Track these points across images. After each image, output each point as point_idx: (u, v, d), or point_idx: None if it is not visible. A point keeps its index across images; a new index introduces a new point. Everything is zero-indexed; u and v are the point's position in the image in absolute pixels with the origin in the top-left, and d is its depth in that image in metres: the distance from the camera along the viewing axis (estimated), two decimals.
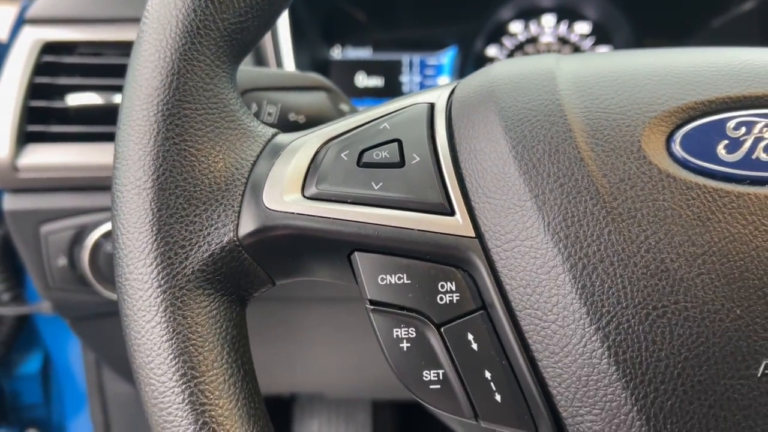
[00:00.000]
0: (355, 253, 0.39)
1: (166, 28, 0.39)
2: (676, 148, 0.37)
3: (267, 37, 0.83)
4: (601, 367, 0.35)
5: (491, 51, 1.03)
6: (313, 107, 0.57)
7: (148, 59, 0.39)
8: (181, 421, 0.36)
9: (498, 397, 0.37)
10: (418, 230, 0.38)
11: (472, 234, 0.38)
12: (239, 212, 0.39)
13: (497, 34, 1.02)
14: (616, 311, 0.35)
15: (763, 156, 0.36)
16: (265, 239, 0.39)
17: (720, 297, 0.35)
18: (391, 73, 1.02)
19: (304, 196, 0.40)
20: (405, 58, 1.03)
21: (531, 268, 0.37)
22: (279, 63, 0.82)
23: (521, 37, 1.03)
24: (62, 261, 0.79)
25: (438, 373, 0.38)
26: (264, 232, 0.39)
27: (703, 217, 0.35)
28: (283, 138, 0.43)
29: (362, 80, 1.03)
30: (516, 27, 1.03)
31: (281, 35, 0.83)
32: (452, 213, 0.38)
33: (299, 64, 0.87)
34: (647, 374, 0.35)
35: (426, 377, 0.38)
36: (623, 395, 0.35)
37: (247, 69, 0.57)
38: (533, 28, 1.03)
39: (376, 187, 0.39)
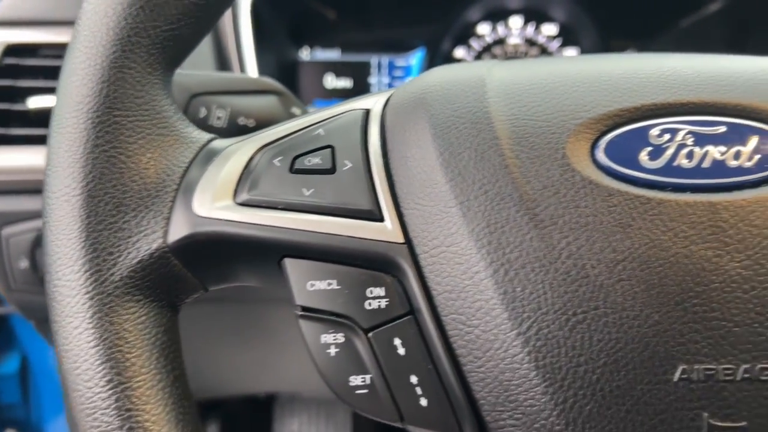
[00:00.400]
0: (285, 259, 0.39)
1: (96, 36, 0.39)
2: (600, 155, 0.37)
3: (230, 40, 0.83)
4: (522, 372, 0.36)
5: (459, 52, 1.04)
6: (264, 111, 0.58)
7: (79, 67, 0.39)
8: (107, 426, 0.36)
9: (424, 402, 0.38)
10: (348, 236, 0.39)
11: (401, 240, 0.38)
12: (169, 218, 0.39)
13: (465, 35, 1.03)
14: (536, 316, 0.36)
15: (684, 163, 0.37)
16: (195, 246, 0.40)
17: (639, 303, 0.35)
18: (359, 74, 1.03)
19: (236, 203, 0.40)
20: (374, 59, 1.03)
21: (456, 274, 0.37)
22: (242, 66, 0.82)
23: (489, 39, 1.03)
24: (24, 263, 0.79)
25: (365, 378, 0.38)
26: (193, 239, 0.39)
27: (624, 224, 0.36)
28: (218, 144, 0.43)
29: (331, 82, 1.03)
30: (483, 28, 1.03)
31: (244, 38, 0.83)
32: (381, 219, 0.39)
33: (264, 67, 0.87)
34: (566, 379, 0.35)
35: (352, 382, 0.38)
36: (542, 400, 0.35)
37: (196, 73, 0.58)
38: (501, 29, 1.03)
39: (307, 194, 0.39)
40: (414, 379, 0.38)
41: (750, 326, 0.35)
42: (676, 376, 0.35)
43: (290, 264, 0.39)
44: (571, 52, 1.03)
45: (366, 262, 0.39)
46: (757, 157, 0.37)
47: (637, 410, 0.35)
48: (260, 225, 0.39)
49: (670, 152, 0.37)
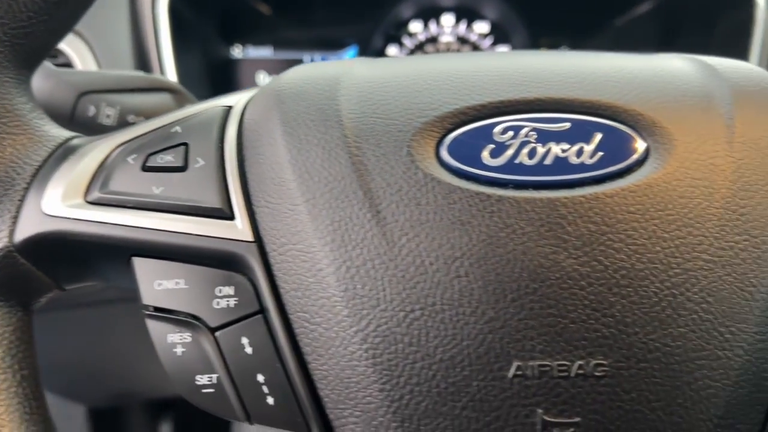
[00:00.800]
0: (133, 258, 0.39)
1: None
2: (444, 152, 0.37)
3: (150, 39, 0.82)
4: (360, 369, 0.36)
5: (392, 50, 1.04)
6: (156, 109, 0.57)
7: None
8: None
9: (270, 400, 0.38)
10: (196, 235, 0.38)
11: (251, 238, 0.38)
12: (17, 217, 0.39)
13: (397, 33, 1.03)
14: (374, 314, 0.36)
15: (526, 160, 0.37)
16: (44, 245, 0.39)
17: (475, 299, 0.35)
18: None
19: (86, 201, 0.39)
20: (306, 57, 1.03)
21: (301, 272, 0.37)
22: (161, 65, 0.82)
23: (421, 37, 1.03)
24: None
25: (211, 377, 0.38)
26: (41, 238, 0.39)
27: (464, 221, 0.36)
28: (76, 142, 0.42)
29: (264, 79, 1.03)
30: (416, 26, 1.03)
31: (162, 37, 0.82)
32: (232, 217, 0.38)
33: (191, 65, 0.87)
34: (402, 376, 0.35)
35: (199, 381, 0.38)
36: (379, 397, 0.35)
37: (84, 71, 0.57)
38: (433, 27, 1.03)
39: (156, 192, 0.39)
40: (261, 378, 0.38)
41: (585, 323, 0.35)
42: (511, 372, 0.35)
43: (138, 263, 0.39)
44: (503, 49, 1.03)
45: (215, 260, 0.38)
46: (599, 154, 0.37)
47: (472, 407, 0.35)
48: (108, 224, 0.39)
49: (512, 150, 0.37)
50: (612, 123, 0.38)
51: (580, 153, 0.37)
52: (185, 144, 0.40)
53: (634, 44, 1.04)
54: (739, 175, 0.37)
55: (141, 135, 0.42)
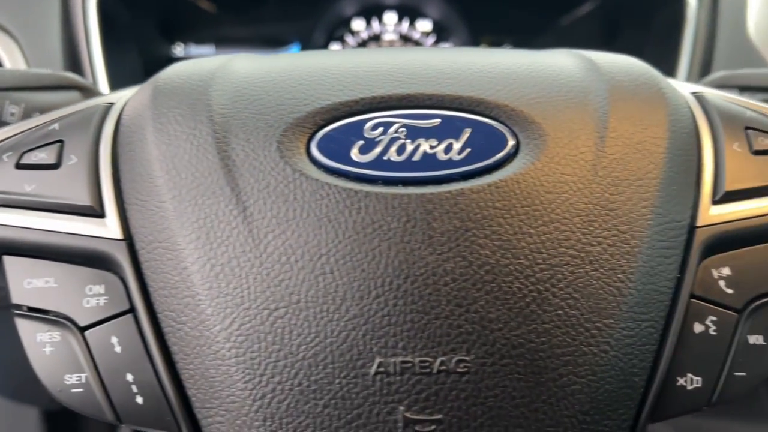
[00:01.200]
0: (3, 256, 0.38)
1: None
2: (314, 148, 0.37)
3: (81, 38, 0.82)
4: (224, 368, 0.35)
5: (334, 48, 1.03)
6: (63, 107, 0.56)
7: None
8: None
9: (140, 400, 0.37)
10: (67, 233, 0.38)
11: (121, 236, 0.38)
12: None
13: (340, 31, 1.02)
14: (238, 312, 0.35)
15: (394, 157, 0.37)
16: None
17: (339, 296, 0.35)
18: None
19: None
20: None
21: (168, 270, 0.37)
22: (92, 65, 0.81)
23: (364, 35, 1.03)
24: None
25: (80, 377, 0.38)
26: None
27: (331, 217, 0.36)
28: None
29: None
30: (358, 24, 1.03)
31: (92, 36, 0.81)
32: (103, 215, 0.38)
33: (124, 65, 0.86)
34: (265, 375, 0.35)
35: (68, 381, 0.38)
36: (242, 396, 0.35)
37: None
38: (375, 25, 1.03)
39: (28, 189, 0.39)
40: (130, 378, 0.37)
41: (448, 319, 0.35)
42: (373, 369, 0.35)
43: (8, 262, 0.38)
44: (445, 47, 1.03)
45: (86, 259, 0.38)
46: (467, 150, 0.37)
47: (335, 404, 0.35)
48: None
49: (381, 146, 0.37)
50: (483, 119, 0.38)
51: (449, 149, 0.37)
52: (60, 141, 0.40)
53: (577, 43, 1.04)
54: (610, 170, 0.37)
55: (19, 133, 0.41)
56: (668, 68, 0.84)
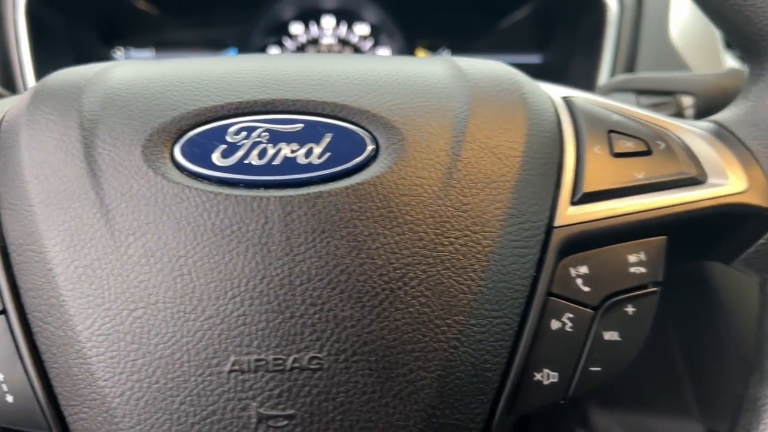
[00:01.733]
0: None
1: None
2: (178, 153, 0.38)
3: (12, 44, 0.82)
4: (86, 367, 0.36)
5: (272, 52, 1.04)
6: None
7: None
8: None
9: (10, 399, 0.38)
10: None
11: None
12: None
13: (278, 35, 1.03)
14: (99, 312, 0.36)
15: (255, 161, 0.38)
16: None
17: (196, 297, 0.36)
18: None
19: None
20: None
21: (36, 272, 0.38)
22: (22, 70, 0.81)
23: (302, 39, 1.04)
24: None
25: None
26: None
27: (191, 220, 0.37)
28: None
29: None
30: (297, 28, 1.04)
31: (21, 41, 0.82)
32: None
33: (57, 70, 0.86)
34: (124, 373, 0.36)
35: None
36: (103, 393, 0.36)
37: None
38: (314, 29, 1.04)
39: None
40: (1, 377, 0.38)
41: (302, 317, 0.36)
42: (228, 367, 0.36)
43: None
44: (384, 52, 1.05)
45: None
46: (327, 154, 0.38)
47: (190, 401, 0.36)
48: None
49: (243, 150, 0.38)
50: (344, 124, 0.39)
51: (309, 153, 0.38)
52: None
53: (515, 47, 1.06)
54: (465, 173, 0.39)
55: None
56: (593, 72, 0.86)
